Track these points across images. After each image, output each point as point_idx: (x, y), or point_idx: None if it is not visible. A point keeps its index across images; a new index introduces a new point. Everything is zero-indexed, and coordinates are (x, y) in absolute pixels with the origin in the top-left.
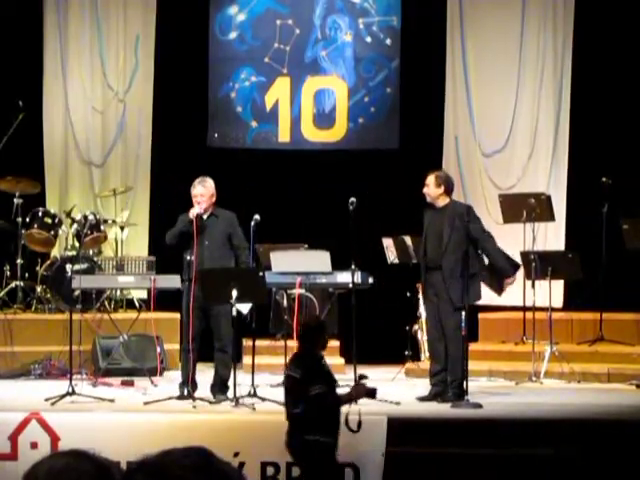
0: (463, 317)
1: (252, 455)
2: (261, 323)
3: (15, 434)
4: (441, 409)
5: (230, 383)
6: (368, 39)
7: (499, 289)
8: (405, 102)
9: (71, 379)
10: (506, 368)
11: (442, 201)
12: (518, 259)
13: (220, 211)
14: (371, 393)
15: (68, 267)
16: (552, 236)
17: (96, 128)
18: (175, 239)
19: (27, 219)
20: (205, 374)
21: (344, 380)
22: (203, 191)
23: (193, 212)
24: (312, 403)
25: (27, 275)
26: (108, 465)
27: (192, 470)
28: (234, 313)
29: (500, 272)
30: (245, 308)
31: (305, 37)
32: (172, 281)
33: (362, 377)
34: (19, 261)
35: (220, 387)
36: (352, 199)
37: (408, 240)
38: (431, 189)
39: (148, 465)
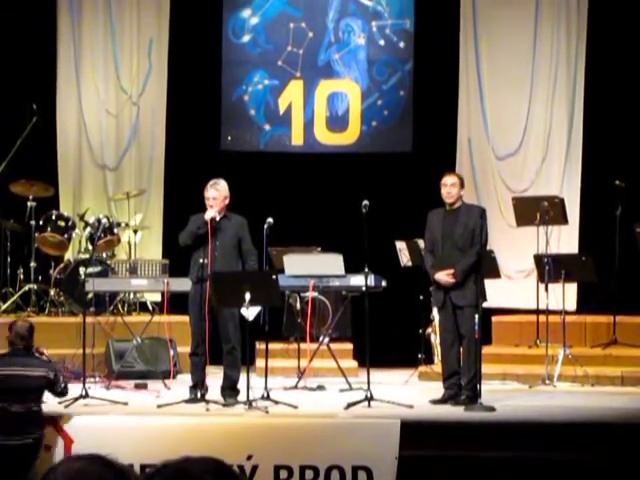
0: (477, 320)
1: (265, 458)
2: (274, 326)
3: None
4: (454, 412)
5: (242, 386)
6: (381, 42)
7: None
8: (418, 105)
9: (84, 382)
10: (519, 371)
11: (459, 202)
12: (531, 262)
13: (232, 215)
14: None
15: (81, 270)
16: (565, 239)
17: (110, 131)
18: (190, 240)
19: (40, 222)
20: (215, 377)
21: (358, 383)
22: (216, 194)
23: (209, 215)
24: None
25: (40, 278)
26: (124, 469)
27: (210, 473)
28: (245, 315)
29: (444, 267)
30: (251, 314)
31: (318, 40)
32: (185, 284)
33: None
34: (32, 264)
35: (230, 389)
36: (365, 202)
37: (421, 243)
38: (456, 189)
39: (168, 469)
